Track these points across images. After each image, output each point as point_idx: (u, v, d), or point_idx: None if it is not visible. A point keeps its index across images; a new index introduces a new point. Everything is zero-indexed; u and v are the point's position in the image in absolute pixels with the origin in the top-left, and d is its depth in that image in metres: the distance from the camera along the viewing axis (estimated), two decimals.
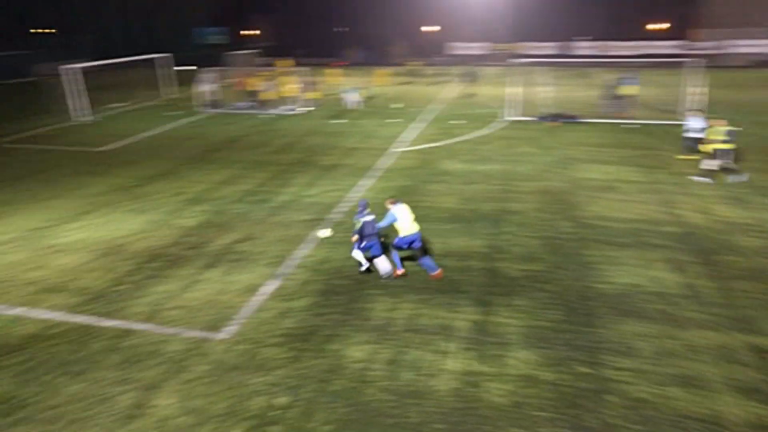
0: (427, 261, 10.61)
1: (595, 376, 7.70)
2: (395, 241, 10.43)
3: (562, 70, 43.70)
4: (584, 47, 54.11)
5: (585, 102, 28.92)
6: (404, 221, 10.29)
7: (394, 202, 10.49)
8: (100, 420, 7.03)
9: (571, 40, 54.64)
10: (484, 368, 7.94)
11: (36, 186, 16.73)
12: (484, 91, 35.06)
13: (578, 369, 7.85)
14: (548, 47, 54.88)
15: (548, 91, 31.86)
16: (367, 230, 10.36)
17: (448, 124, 24.93)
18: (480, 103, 30.57)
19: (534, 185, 15.95)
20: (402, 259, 10.67)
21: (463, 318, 9.21)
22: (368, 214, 10.44)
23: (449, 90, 35.99)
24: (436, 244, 12.00)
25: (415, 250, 10.65)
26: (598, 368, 7.84)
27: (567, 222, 13.16)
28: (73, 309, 9.65)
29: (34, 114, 28.42)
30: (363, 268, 10.69)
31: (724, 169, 15.79)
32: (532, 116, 25.42)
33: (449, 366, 8.01)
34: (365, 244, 10.40)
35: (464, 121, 25.31)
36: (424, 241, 10.97)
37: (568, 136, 21.80)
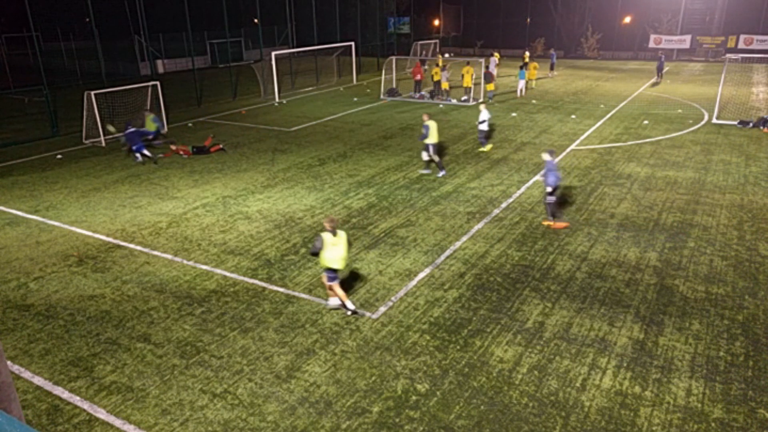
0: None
1: None
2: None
3: None
4: None
5: None
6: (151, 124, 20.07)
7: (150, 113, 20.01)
8: (258, 375, 7.74)
9: None
10: (643, 392, 7.25)
11: (233, 158, 18.80)
12: (682, 89, 31.68)
13: (759, 413, 6.82)
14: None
15: (763, 92, 27.77)
16: (135, 139, 18.25)
17: (633, 123, 22.98)
18: (674, 102, 27.70)
19: (729, 198, 14.10)
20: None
21: (625, 334, 8.49)
22: (133, 127, 18.44)
23: (640, 86, 33.09)
24: (601, 252, 11.20)
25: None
26: None
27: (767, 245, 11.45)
28: (249, 272, 10.71)
29: (240, 94, 31.88)
30: (138, 159, 18.46)
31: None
32: (740, 120, 22.41)
33: (601, 382, 7.46)
34: (136, 147, 18.28)
35: (653, 122, 23.13)
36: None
37: None
